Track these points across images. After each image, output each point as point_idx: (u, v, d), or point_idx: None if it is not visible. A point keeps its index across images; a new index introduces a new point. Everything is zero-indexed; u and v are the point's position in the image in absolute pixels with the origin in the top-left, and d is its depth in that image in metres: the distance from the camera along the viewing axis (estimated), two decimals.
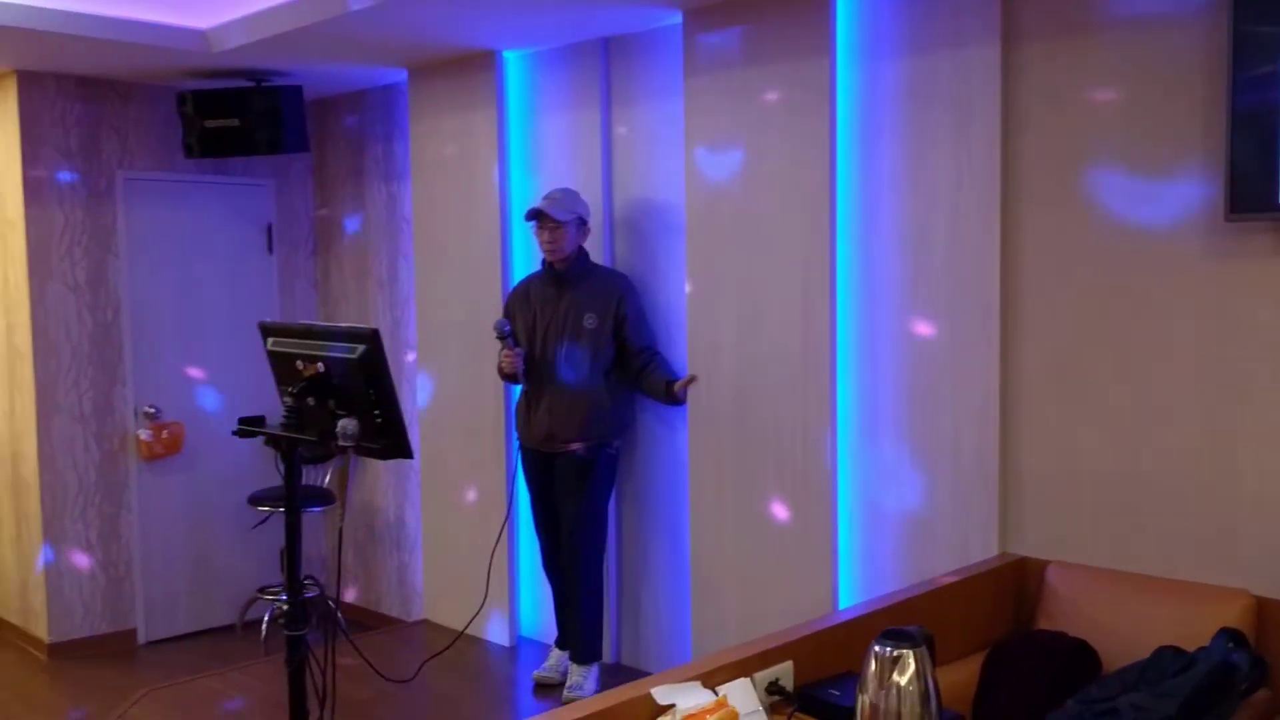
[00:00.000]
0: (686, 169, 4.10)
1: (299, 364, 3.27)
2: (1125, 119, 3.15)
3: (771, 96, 3.84)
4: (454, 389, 5.02)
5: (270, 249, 5.82)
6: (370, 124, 5.59)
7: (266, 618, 5.34)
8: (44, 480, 5.08)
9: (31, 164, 5.00)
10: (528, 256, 4.77)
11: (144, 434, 5.32)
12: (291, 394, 3.24)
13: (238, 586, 5.68)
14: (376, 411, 3.13)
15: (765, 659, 2.56)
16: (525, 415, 4.34)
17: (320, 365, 3.20)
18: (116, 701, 4.52)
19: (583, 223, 4.25)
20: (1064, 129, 3.28)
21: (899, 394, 3.66)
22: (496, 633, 4.90)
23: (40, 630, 5.17)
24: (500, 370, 4.34)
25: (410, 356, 5.44)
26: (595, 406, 4.21)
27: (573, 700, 4.14)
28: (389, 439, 3.15)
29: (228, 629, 5.60)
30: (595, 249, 4.44)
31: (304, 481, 5.75)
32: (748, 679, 2.48)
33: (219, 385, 5.63)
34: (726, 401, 4.02)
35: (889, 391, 3.68)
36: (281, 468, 3.31)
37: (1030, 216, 3.36)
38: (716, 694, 2.36)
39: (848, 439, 3.78)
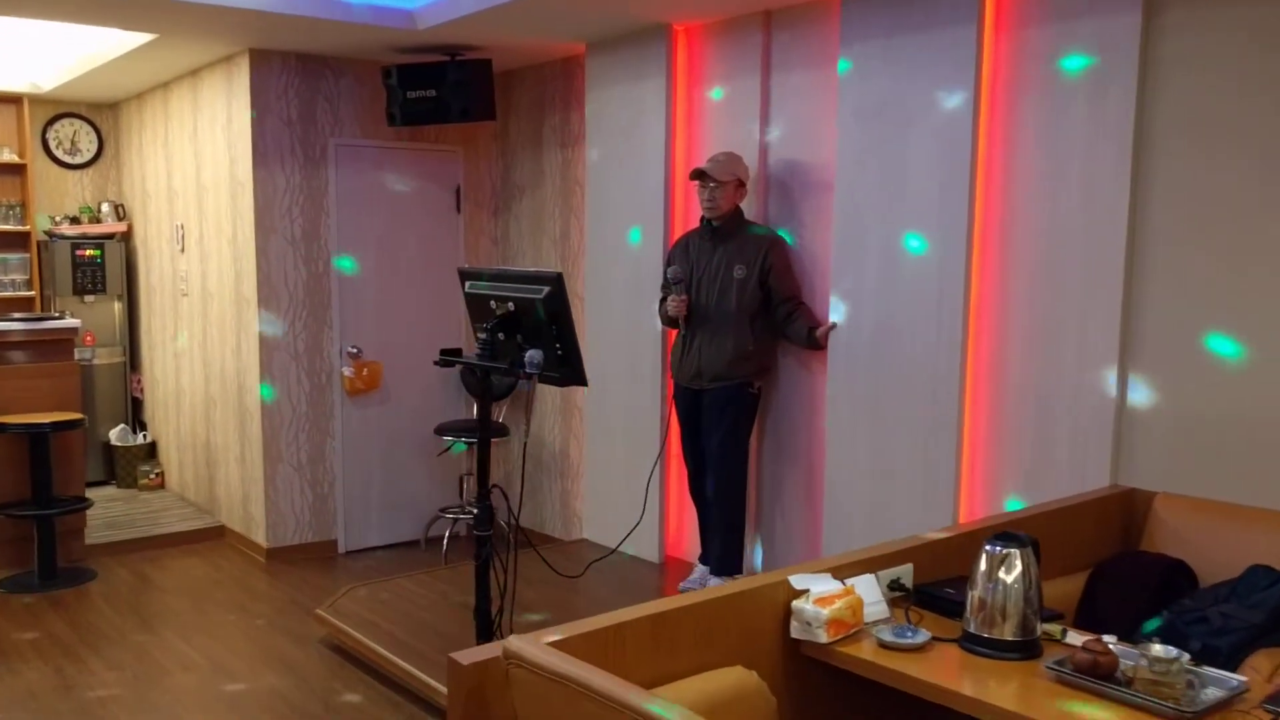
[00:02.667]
0: (839, 132, 4.47)
1: (492, 304, 3.81)
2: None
3: (921, 63, 4.17)
4: (618, 334, 5.54)
5: (458, 208, 6.45)
6: (549, 95, 6.13)
7: (447, 534, 6.01)
8: (265, 409, 5.85)
9: (260, 132, 5.74)
10: (687, 214, 5.23)
11: (348, 371, 6.04)
12: (486, 329, 3.79)
13: (423, 507, 6.38)
14: (558, 345, 3.65)
15: (889, 560, 2.97)
16: (679, 355, 4.82)
17: (510, 304, 3.74)
18: (324, 597, 5.25)
19: (740, 184, 4.69)
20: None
21: (1023, 335, 3.97)
22: (648, 550, 5.42)
23: (260, 537, 5.97)
24: (666, 313, 4.83)
25: (580, 305, 5.98)
26: (740, 349, 4.66)
27: None
28: (568, 368, 3.67)
29: (413, 544, 6.31)
30: (751, 208, 4.87)
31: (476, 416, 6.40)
32: (873, 575, 2.90)
33: (413, 328, 6.31)
34: (864, 345, 4.40)
35: (1016, 333, 4.00)
36: (475, 399, 3.87)
37: (1162, 167, 3.63)
38: (844, 584, 2.79)
39: (975, 377, 4.12)
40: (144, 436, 7.48)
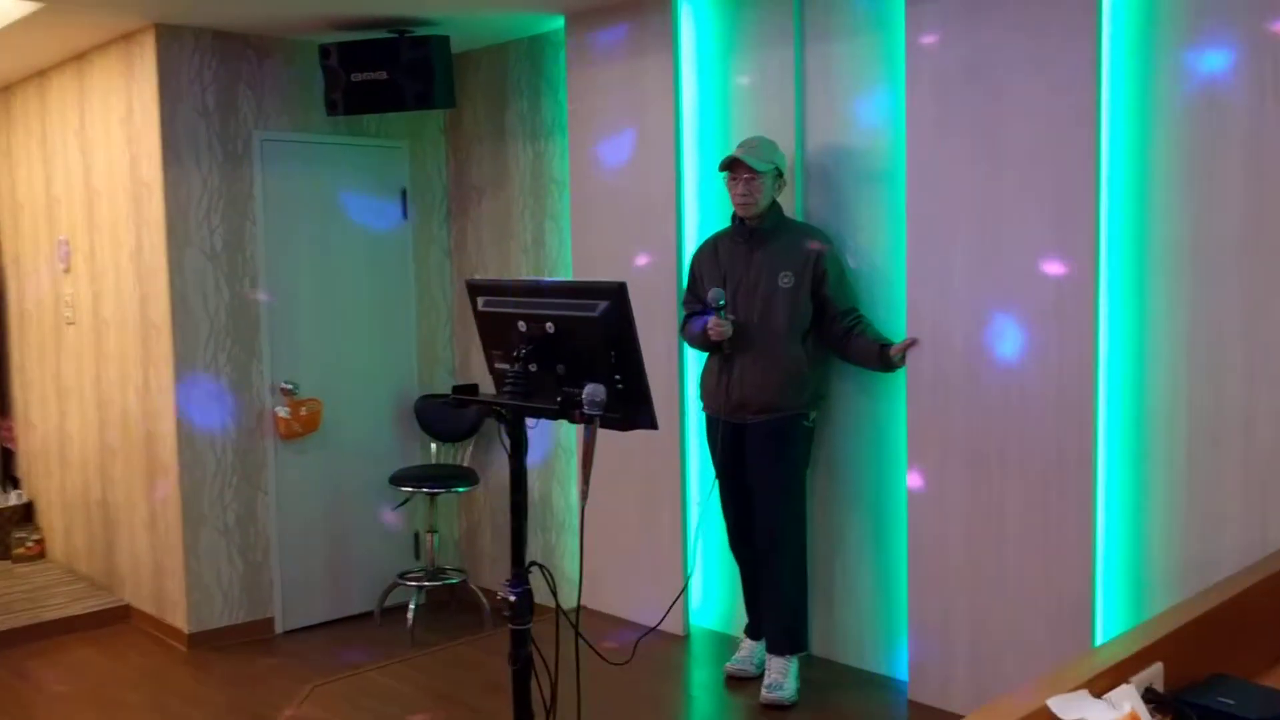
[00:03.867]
0: (909, 109, 3.70)
1: (521, 325, 2.91)
2: None
3: (1027, 15, 3.43)
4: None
5: (404, 213, 5.48)
6: (514, 79, 5.23)
7: (412, 606, 5.02)
8: (182, 460, 4.78)
9: (169, 123, 4.69)
10: (706, 216, 4.39)
11: (282, 411, 5.01)
12: (517, 358, 2.88)
13: (376, 572, 5.37)
14: (618, 376, 2.76)
15: (1138, 661, 2.18)
16: (714, 382, 3.97)
17: (549, 326, 2.84)
18: (270, 696, 4.22)
19: (779, 174, 3.88)
20: None
21: (1176, 359, 3.25)
22: (670, 620, 4.54)
23: (179, 619, 4.88)
24: (703, 339, 3.97)
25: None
26: (792, 374, 3.84)
27: (774, 701, 3.78)
28: (632, 406, 2.78)
29: (364, 616, 5.29)
30: (786, 203, 4.06)
31: (437, 460, 5.43)
32: (1129, 685, 2.10)
33: (358, 357, 5.32)
34: (956, 367, 3.63)
35: (1164, 356, 3.27)
36: (507, 441, 2.95)
37: None
38: (1116, 705, 1.98)
39: (1110, 411, 3.38)
40: (17, 495, 6.27)
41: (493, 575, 5.46)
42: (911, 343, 3.71)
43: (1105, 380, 3.37)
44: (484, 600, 5.19)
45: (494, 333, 3.02)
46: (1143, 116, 3.27)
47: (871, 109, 3.91)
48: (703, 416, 4.10)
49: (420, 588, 5.14)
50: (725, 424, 3.95)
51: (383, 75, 4.66)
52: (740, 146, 3.86)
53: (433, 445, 5.46)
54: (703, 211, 4.42)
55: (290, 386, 5.04)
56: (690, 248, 4.34)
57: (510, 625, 2.92)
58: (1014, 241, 3.47)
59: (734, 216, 3.96)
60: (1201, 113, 3.16)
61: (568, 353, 2.83)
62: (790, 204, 4.08)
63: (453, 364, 5.65)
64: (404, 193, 5.46)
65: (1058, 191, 3.37)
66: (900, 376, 3.80)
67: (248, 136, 4.91)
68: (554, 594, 2.92)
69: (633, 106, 4.52)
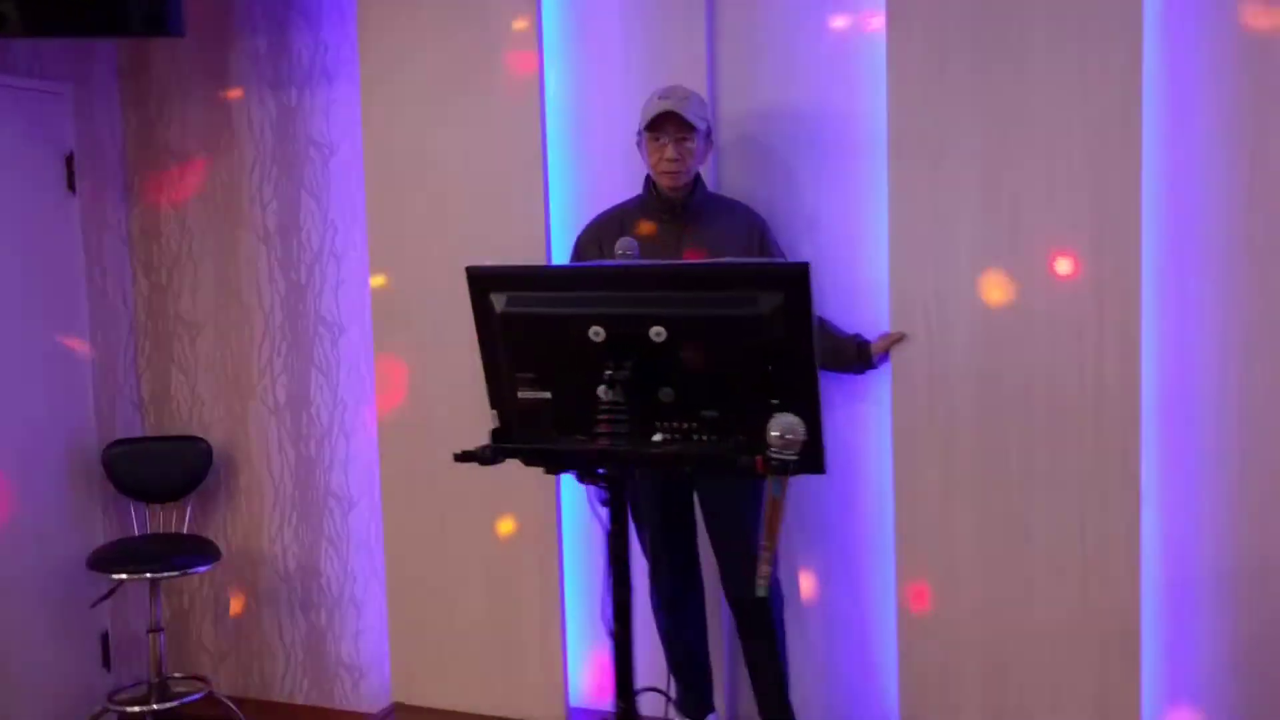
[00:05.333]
0: (890, 65, 3.06)
1: (595, 333, 1.89)
2: None
3: None
4: (441, 384, 3.53)
5: (72, 186, 3.87)
6: (242, 6, 3.86)
7: None
8: None
9: None
10: (577, 194, 3.44)
11: None
12: (615, 381, 1.85)
13: (66, 695, 3.73)
14: (775, 400, 1.86)
15: None
16: None
17: (657, 331, 1.86)
18: None
19: (709, 135, 3.07)
20: None
21: (1228, 365, 2.92)
22: (532, 701, 3.53)
23: None
24: None
25: (337, 337, 3.84)
26: None
27: None
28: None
29: None
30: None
31: (144, 529, 3.95)
32: None
33: (16, 394, 3.65)
34: (957, 367, 3.05)
35: (1217, 360, 2.94)
36: (602, 512, 1.92)
37: None
38: None
39: (1158, 429, 2.99)
40: None
41: (250, 678, 4.04)
42: (899, 337, 3.08)
43: (1152, 383, 2.97)
44: (238, 714, 3.79)
45: (524, 346, 1.97)
46: (1191, 78, 2.91)
47: (810, 59, 3.22)
48: None
49: (144, 712, 3.63)
50: None
51: None
52: (664, 97, 2.97)
53: (136, 512, 3.92)
54: (576, 193, 3.46)
55: None
56: (562, 239, 3.38)
57: None
58: (1035, 225, 2.97)
59: (647, 188, 3.08)
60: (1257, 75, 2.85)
61: (682, 369, 1.87)
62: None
63: (139, 395, 4.11)
64: (69, 159, 3.85)
65: (1098, 164, 2.90)
66: (879, 379, 3.16)
67: None
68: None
69: (463, 47, 3.43)
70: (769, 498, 1.79)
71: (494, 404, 2.04)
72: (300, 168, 3.84)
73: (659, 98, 2.97)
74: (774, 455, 1.77)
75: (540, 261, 3.38)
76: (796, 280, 1.80)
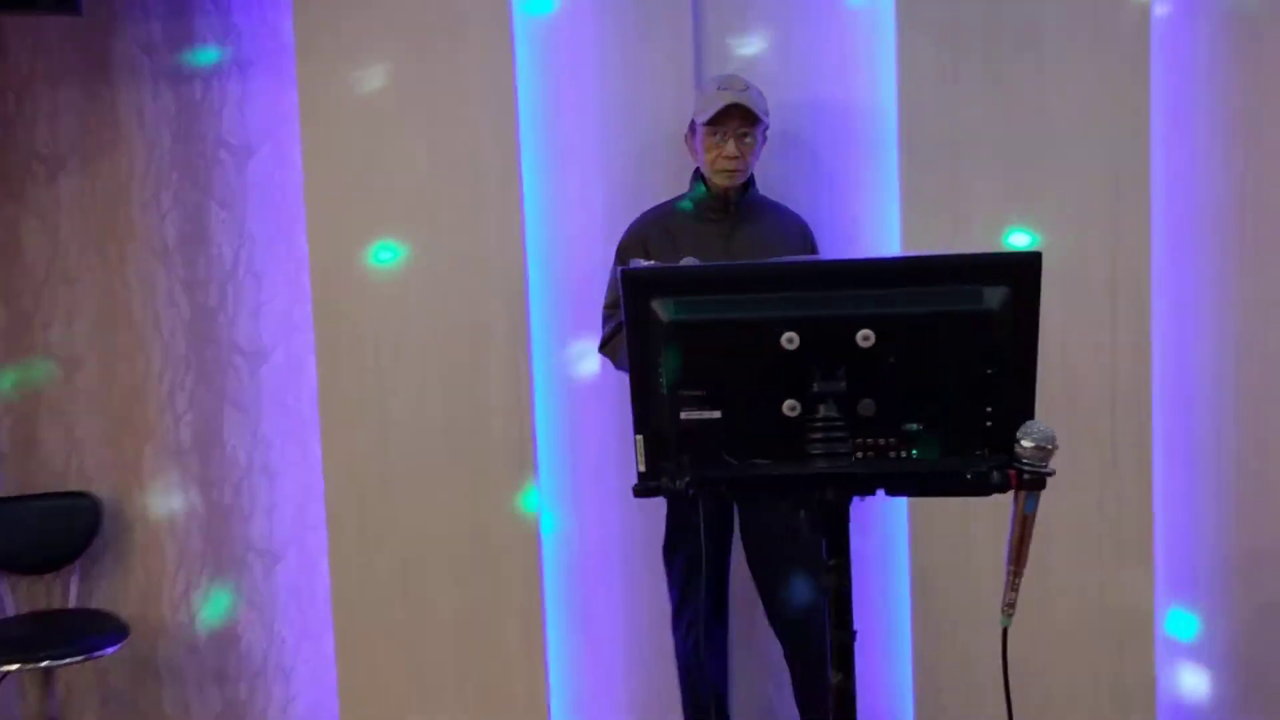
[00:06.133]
0: (901, 56, 2.93)
1: (787, 340, 1.63)
2: None
3: None
4: (401, 413, 3.11)
5: None
6: None
7: None
8: None
9: None
10: (545, 202, 3.13)
11: None
12: (825, 392, 1.59)
13: None
14: (990, 407, 1.66)
15: None
16: None
17: (864, 335, 1.62)
18: None
19: (766, 130, 2.84)
20: None
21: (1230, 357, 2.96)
22: None
23: None
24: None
25: (256, 366, 3.34)
26: None
27: None
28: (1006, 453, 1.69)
29: None
30: (674, 179, 3.02)
31: (19, 608, 3.34)
32: None
33: None
34: None
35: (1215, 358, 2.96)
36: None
37: None
38: None
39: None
40: None
41: None
42: None
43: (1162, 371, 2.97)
44: None
45: (694, 358, 1.68)
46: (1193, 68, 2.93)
47: (841, 51, 3.05)
48: None
49: None
50: None
51: None
52: (725, 88, 2.73)
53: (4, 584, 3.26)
54: (553, 198, 3.13)
55: None
56: (540, 251, 3.06)
57: None
58: (1055, 218, 2.91)
59: (697, 185, 2.84)
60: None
61: (887, 378, 1.64)
62: (677, 180, 3.04)
63: None
64: None
65: (1114, 169, 2.87)
66: None
67: None
68: None
69: (433, 31, 3.04)
70: (1020, 515, 1.58)
71: (641, 428, 1.72)
72: (207, 173, 3.32)
73: (719, 88, 2.73)
74: (1028, 468, 1.56)
75: (518, 276, 3.04)
76: (1027, 270, 1.61)
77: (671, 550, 2.84)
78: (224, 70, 3.29)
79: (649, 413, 1.72)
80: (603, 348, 2.88)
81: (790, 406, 1.64)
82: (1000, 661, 1.65)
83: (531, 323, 3.05)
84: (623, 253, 2.85)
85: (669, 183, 2.96)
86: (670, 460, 1.72)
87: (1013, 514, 1.59)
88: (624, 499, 3.00)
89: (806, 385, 1.62)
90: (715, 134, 2.71)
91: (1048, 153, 2.89)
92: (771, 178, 2.98)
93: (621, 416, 3.00)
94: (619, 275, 2.87)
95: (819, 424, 1.59)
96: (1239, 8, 2.89)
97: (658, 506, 2.90)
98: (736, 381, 1.67)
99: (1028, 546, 1.59)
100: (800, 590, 2.80)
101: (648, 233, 2.83)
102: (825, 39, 3.06)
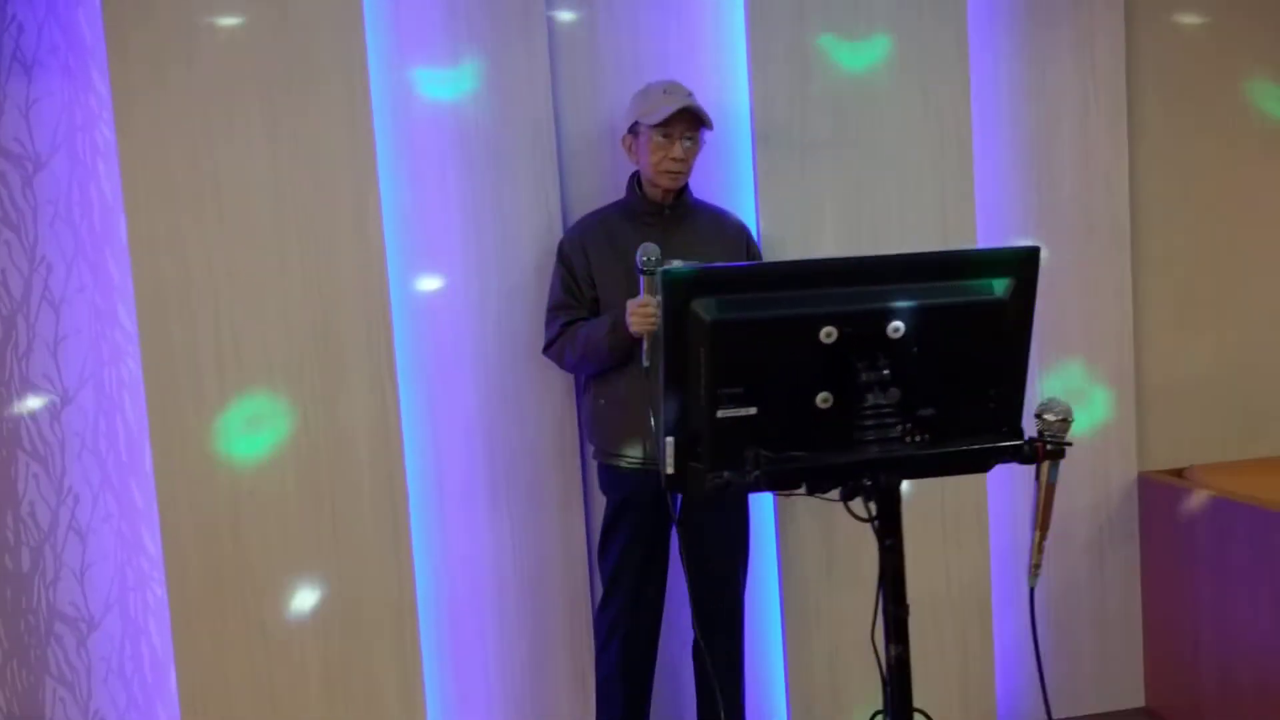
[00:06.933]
0: (754, 73, 3.04)
1: (824, 333, 1.68)
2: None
3: None
4: (259, 442, 2.84)
5: None
6: None
7: None
8: None
9: None
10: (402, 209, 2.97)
11: None
12: (871, 381, 1.64)
13: None
14: (992, 390, 1.79)
15: None
16: (640, 418, 2.71)
17: (896, 326, 1.70)
18: None
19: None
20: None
21: None
22: None
23: None
24: (612, 342, 2.68)
25: (58, 409, 2.92)
26: None
27: None
28: (1005, 433, 1.83)
29: None
30: (540, 209, 2.99)
31: None
32: None
33: None
34: None
35: None
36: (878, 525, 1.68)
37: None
38: None
39: None
40: None
41: None
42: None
43: None
44: None
45: (735, 356, 1.70)
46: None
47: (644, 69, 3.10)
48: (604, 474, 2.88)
49: None
50: (647, 481, 2.70)
51: None
52: (672, 92, 2.74)
53: None
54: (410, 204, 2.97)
55: None
56: (401, 259, 2.90)
57: None
58: (893, 228, 3.12)
59: (632, 190, 2.85)
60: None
61: (909, 366, 1.74)
62: (545, 192, 3.01)
63: None
64: None
65: (942, 180, 3.14)
66: None
67: None
68: None
69: (271, 26, 2.80)
70: (1044, 484, 1.71)
71: (674, 429, 1.70)
72: None
73: (666, 92, 2.73)
74: (1050, 439, 1.69)
75: (380, 286, 2.87)
76: (1027, 264, 1.74)
77: (613, 552, 2.82)
78: (3, 70, 2.87)
79: (682, 413, 1.69)
80: (547, 349, 2.84)
81: (823, 399, 1.68)
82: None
83: (396, 334, 2.89)
84: (563, 254, 2.83)
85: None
86: (700, 460, 1.71)
87: (1035, 484, 1.71)
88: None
89: (844, 377, 1.67)
90: (663, 136, 2.72)
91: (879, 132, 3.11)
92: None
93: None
94: (560, 277, 2.77)
95: (868, 412, 1.64)
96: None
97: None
98: (774, 377, 1.68)
99: (1051, 512, 1.71)
100: (728, 587, 2.86)
101: (587, 235, 2.82)
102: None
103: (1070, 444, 1.70)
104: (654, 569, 2.83)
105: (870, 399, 1.64)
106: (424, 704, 2.92)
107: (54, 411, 2.94)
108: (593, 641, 3.00)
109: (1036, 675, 1.90)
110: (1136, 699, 3.36)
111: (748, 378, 1.67)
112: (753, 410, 1.69)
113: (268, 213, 2.81)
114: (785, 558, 3.12)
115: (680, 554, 2.69)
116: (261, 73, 2.78)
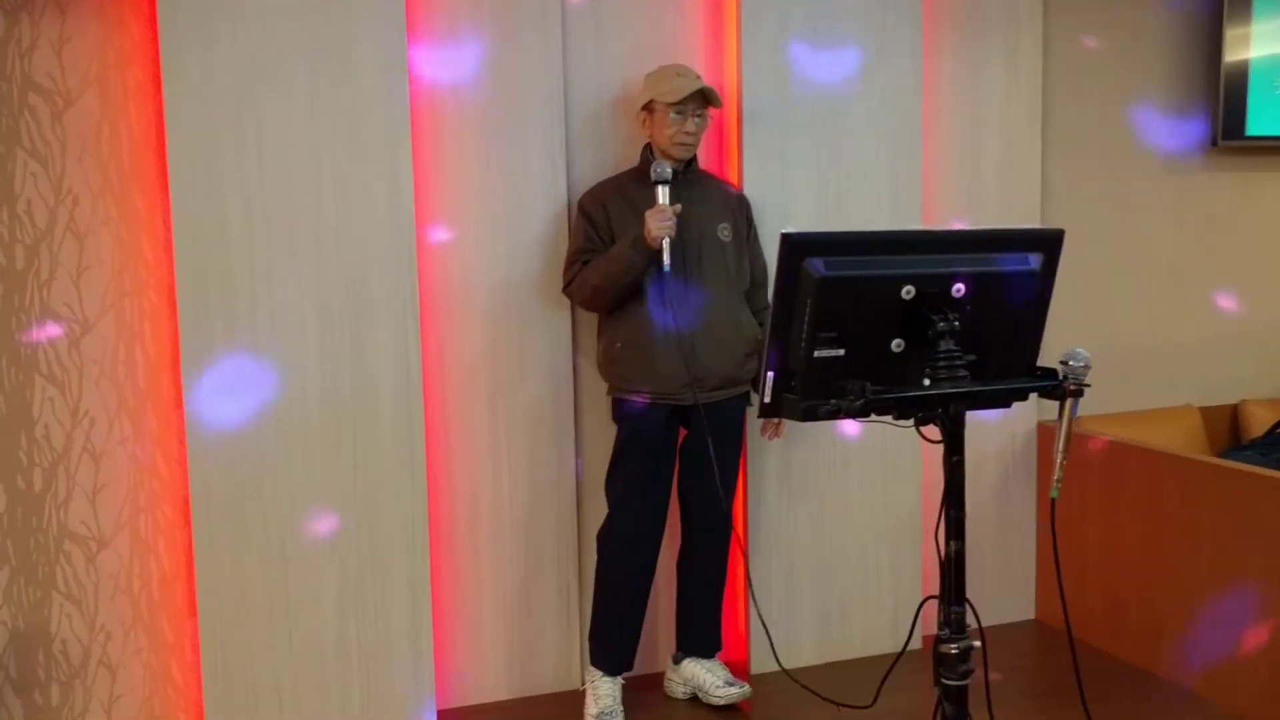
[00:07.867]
0: (744, 64, 3.39)
1: (906, 290, 2.07)
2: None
3: None
4: (288, 375, 3.02)
5: None
6: None
7: None
8: None
9: None
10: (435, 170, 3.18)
11: None
12: (945, 330, 2.04)
13: None
14: (1019, 340, 2.23)
15: None
16: (658, 355, 3.08)
17: (958, 287, 2.11)
18: None
19: None
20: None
21: None
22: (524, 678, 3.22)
23: None
24: (632, 260, 3.02)
25: (78, 336, 3.01)
26: (749, 339, 3.22)
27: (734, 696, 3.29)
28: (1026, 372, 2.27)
29: None
30: (547, 172, 3.27)
31: None
32: None
33: None
34: None
35: None
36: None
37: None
38: None
39: None
40: None
41: None
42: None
43: None
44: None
45: (834, 307, 2.07)
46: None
47: (650, 53, 3.41)
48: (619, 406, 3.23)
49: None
50: (665, 406, 3.14)
51: None
52: (684, 75, 3.13)
53: None
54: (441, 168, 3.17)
55: None
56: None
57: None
58: (856, 202, 3.54)
59: (646, 159, 3.17)
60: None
61: (969, 319, 2.17)
62: (551, 173, 3.28)
63: None
64: None
65: (893, 163, 3.59)
66: None
67: None
68: None
69: None
70: (1067, 416, 2.15)
71: (774, 365, 2.05)
72: (12, 120, 2.93)
73: (679, 74, 3.10)
74: (1073, 382, 2.13)
75: (409, 236, 3.09)
76: (1055, 243, 2.17)
77: (625, 463, 3.18)
78: (33, 5, 2.91)
79: (784, 353, 2.04)
80: (568, 288, 3.19)
81: (897, 344, 2.07)
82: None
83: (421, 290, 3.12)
84: (585, 209, 3.17)
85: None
86: (794, 392, 2.07)
87: (1060, 416, 2.15)
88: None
89: (917, 326, 2.06)
90: (679, 114, 3.08)
91: (854, 122, 3.53)
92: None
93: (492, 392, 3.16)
94: (582, 228, 3.12)
95: (941, 355, 2.04)
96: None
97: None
98: (861, 325, 2.05)
99: (1071, 439, 2.16)
100: (715, 513, 3.27)
101: (606, 194, 3.17)
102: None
103: (1090, 385, 2.14)
104: (658, 487, 3.20)
105: (943, 345, 2.04)
106: (429, 617, 3.19)
107: (73, 338, 3.02)
108: (577, 561, 3.36)
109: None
110: (1028, 613, 3.96)
111: (841, 325, 2.04)
112: (841, 352, 2.06)
113: (306, 165, 3.00)
114: (751, 487, 3.52)
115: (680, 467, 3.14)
116: (304, 35, 2.95)
